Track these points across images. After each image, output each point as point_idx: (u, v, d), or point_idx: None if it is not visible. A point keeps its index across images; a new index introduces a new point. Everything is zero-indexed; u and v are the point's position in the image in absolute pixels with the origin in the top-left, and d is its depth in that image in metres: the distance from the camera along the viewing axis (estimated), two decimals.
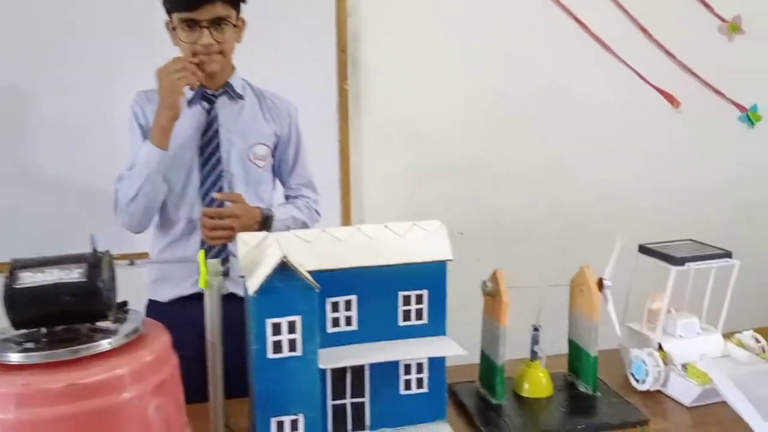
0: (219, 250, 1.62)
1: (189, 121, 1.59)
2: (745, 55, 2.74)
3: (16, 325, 0.94)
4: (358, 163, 2.42)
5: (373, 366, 1.16)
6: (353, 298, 1.15)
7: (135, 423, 0.96)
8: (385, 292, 1.16)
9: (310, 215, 1.77)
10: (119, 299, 1.04)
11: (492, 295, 1.30)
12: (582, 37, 2.58)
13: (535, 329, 1.34)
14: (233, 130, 1.65)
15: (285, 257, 1.00)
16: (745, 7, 2.71)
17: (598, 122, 2.68)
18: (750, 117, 2.81)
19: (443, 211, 2.53)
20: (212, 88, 1.64)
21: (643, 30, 2.62)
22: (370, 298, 1.15)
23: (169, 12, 1.56)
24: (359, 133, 2.41)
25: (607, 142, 2.69)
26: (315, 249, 1.14)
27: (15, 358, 0.90)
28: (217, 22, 1.54)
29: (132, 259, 1.92)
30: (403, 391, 1.19)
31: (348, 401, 1.17)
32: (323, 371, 1.12)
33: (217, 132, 1.63)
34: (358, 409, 1.18)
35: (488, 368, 1.33)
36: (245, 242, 1.13)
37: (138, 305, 1.71)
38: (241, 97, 1.67)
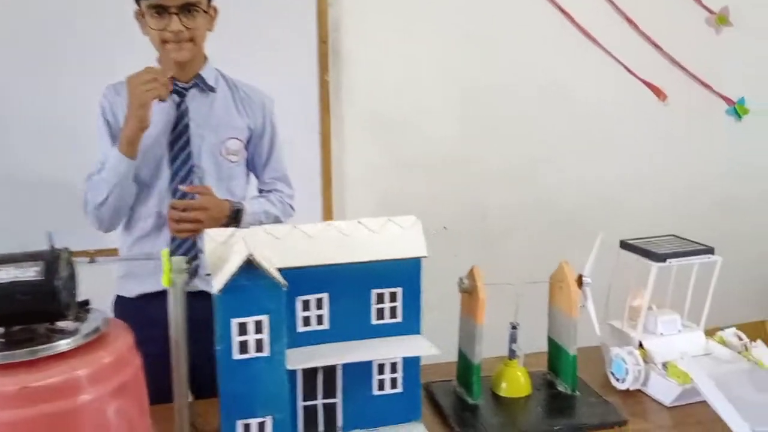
0: (189, 247, 1.58)
1: (158, 115, 1.54)
2: (733, 48, 2.71)
3: None
4: (340, 156, 2.37)
5: (345, 366, 1.13)
6: (324, 296, 1.12)
7: (93, 427, 0.93)
8: (358, 290, 1.13)
9: (284, 210, 1.73)
10: (83, 297, 1.00)
11: (469, 292, 1.27)
12: (568, 29, 2.54)
13: (513, 327, 1.31)
14: (204, 124, 1.60)
15: (251, 255, 0.97)
16: None
17: (584, 116, 2.64)
18: (737, 110, 2.78)
19: (427, 206, 2.48)
20: (182, 80, 1.60)
21: (630, 21, 2.58)
22: (342, 296, 1.12)
23: (137, 0, 1.52)
24: (341, 125, 2.36)
25: (593, 136, 2.66)
26: (285, 245, 1.11)
27: None
28: (187, 8, 1.50)
29: (96, 256, 1.88)
30: (376, 392, 1.16)
31: (319, 402, 1.14)
32: (293, 372, 1.09)
33: (187, 126, 1.59)
34: (330, 409, 1.15)
35: (465, 367, 1.30)
36: (212, 239, 1.10)
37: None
38: (212, 89, 1.63)
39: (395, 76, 2.42)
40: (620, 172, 2.72)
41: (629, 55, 2.61)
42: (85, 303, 1.03)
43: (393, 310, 1.15)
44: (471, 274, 1.26)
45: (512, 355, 1.32)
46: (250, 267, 0.98)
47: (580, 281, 1.30)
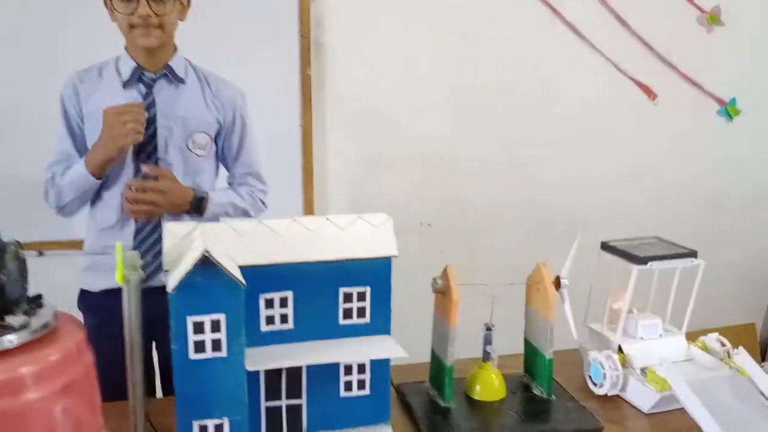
0: (154, 241, 1.54)
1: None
2: (725, 47, 2.67)
3: None
4: (322, 152, 2.33)
5: (310, 366, 1.09)
6: (289, 294, 1.08)
7: (38, 427, 0.88)
8: (325, 289, 1.09)
9: (254, 204, 1.69)
10: (37, 291, 0.96)
11: (442, 292, 1.23)
12: (556, 26, 2.50)
13: (488, 329, 1.27)
14: (171, 116, 1.56)
15: (207, 251, 0.93)
16: None
17: (571, 114, 2.60)
18: (729, 111, 2.74)
19: (410, 202, 2.46)
20: (151, 69, 1.55)
21: (620, 19, 2.54)
22: (308, 295, 1.08)
23: None
24: (323, 120, 2.31)
25: (581, 134, 2.62)
26: (249, 242, 1.07)
27: None
28: None
29: (50, 248, 1.84)
30: (343, 393, 1.12)
31: (283, 403, 1.10)
32: (256, 371, 1.05)
33: (154, 118, 1.55)
34: (294, 411, 1.11)
35: (437, 369, 1.27)
36: (172, 233, 1.05)
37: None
38: (181, 80, 1.58)
39: (378, 72, 2.37)
40: (607, 172, 2.68)
41: (619, 54, 2.57)
42: (37, 298, 0.99)
43: (361, 309, 1.11)
44: (444, 274, 1.22)
45: (486, 357, 1.28)
46: (206, 264, 0.93)
47: (557, 283, 1.26)
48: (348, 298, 1.10)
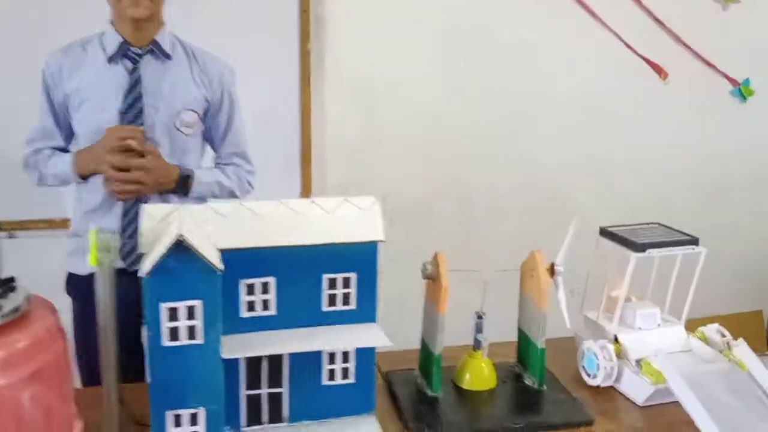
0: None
1: (109, 82, 1.46)
2: (740, 26, 2.58)
3: None
4: (321, 130, 2.27)
5: (292, 354, 1.06)
6: (271, 280, 1.04)
7: (5, 414, 0.86)
8: (308, 275, 1.06)
9: (240, 184, 1.65)
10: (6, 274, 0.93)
11: (432, 278, 1.19)
12: (564, 1, 2.42)
13: (479, 317, 1.24)
14: (158, 93, 1.52)
15: (181, 235, 0.89)
16: None
17: (578, 93, 2.53)
18: (742, 91, 2.66)
19: (412, 182, 2.41)
20: (137, 45, 1.51)
21: None
22: (290, 281, 1.05)
23: None
24: (322, 97, 2.26)
25: (587, 113, 2.55)
26: (230, 224, 1.03)
27: None
28: None
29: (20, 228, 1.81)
30: (326, 382, 1.09)
31: (264, 391, 1.07)
32: (235, 359, 1.02)
33: (140, 96, 1.50)
34: (275, 399, 1.08)
35: (426, 357, 1.23)
36: (150, 215, 1.02)
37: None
38: (168, 56, 1.53)
39: (380, 47, 2.31)
40: (614, 153, 2.62)
41: (629, 30, 2.49)
42: (9, 280, 0.96)
43: (346, 296, 1.08)
44: (434, 260, 1.18)
45: (477, 345, 1.24)
46: (181, 248, 0.90)
47: (552, 270, 1.22)
48: (332, 284, 1.07)
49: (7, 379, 0.85)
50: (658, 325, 1.30)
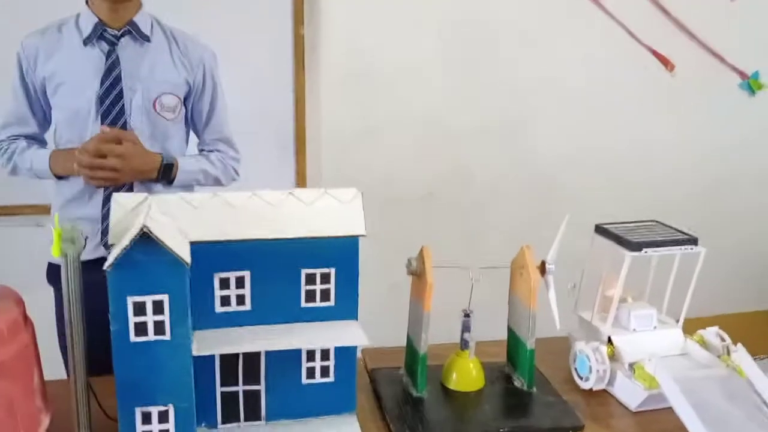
0: None
1: (86, 65, 1.42)
2: (749, 17, 2.49)
3: None
4: (316, 118, 2.22)
5: (269, 351, 1.02)
6: (246, 274, 1.00)
7: None
8: (286, 269, 1.02)
9: (225, 171, 1.61)
10: None
11: (417, 274, 1.14)
12: None
13: (466, 315, 1.19)
14: (137, 76, 1.47)
15: (146, 227, 0.85)
16: None
17: (582, 84, 2.46)
18: (751, 85, 2.59)
19: (410, 170, 2.36)
20: (114, 26, 1.46)
21: None
22: (267, 276, 1.01)
23: None
24: (317, 84, 2.20)
25: (591, 105, 2.48)
26: (203, 216, 0.99)
27: None
28: None
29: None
30: (305, 380, 1.06)
31: (240, 388, 1.04)
32: (211, 355, 0.98)
33: (118, 78, 1.46)
34: (252, 397, 1.05)
35: (411, 356, 1.19)
36: (120, 205, 0.98)
37: None
38: (147, 38, 1.49)
39: (376, 32, 2.25)
40: (618, 146, 2.55)
41: (635, 20, 2.41)
42: None
43: (325, 292, 1.04)
44: (420, 255, 1.14)
45: (464, 345, 1.20)
46: (146, 240, 0.86)
47: (543, 268, 1.17)
48: (311, 279, 1.03)
49: None
50: (654, 327, 1.25)
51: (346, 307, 1.05)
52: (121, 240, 0.90)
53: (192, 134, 1.64)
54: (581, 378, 1.22)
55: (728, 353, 1.21)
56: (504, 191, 2.48)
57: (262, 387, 1.04)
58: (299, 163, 2.17)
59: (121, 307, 0.88)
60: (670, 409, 1.08)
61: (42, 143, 1.59)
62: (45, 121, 1.56)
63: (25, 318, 0.94)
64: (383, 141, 2.32)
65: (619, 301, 1.25)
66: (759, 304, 2.58)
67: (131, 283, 0.87)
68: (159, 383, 0.91)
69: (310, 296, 1.03)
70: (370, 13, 2.24)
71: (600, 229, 1.27)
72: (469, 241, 2.38)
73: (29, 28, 1.51)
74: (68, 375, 0.96)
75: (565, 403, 1.15)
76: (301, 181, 2.18)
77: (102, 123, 1.45)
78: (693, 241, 1.22)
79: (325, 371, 1.06)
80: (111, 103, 1.45)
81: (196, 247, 0.96)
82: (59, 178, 1.50)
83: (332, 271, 1.03)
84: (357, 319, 1.05)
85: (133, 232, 0.86)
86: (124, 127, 1.47)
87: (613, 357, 1.20)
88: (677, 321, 1.28)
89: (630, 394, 1.16)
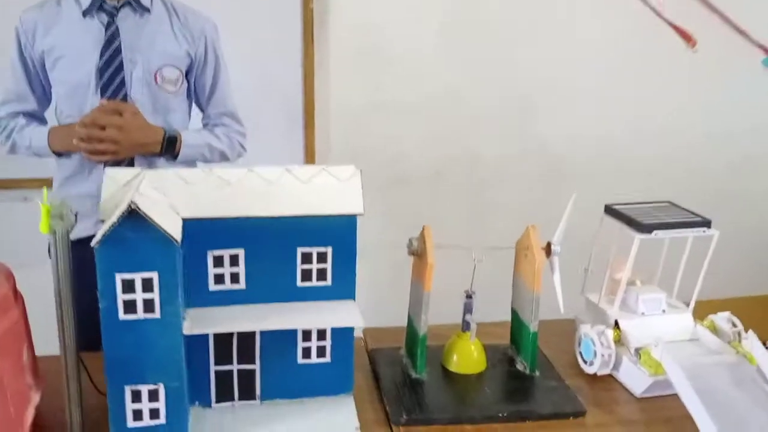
0: None
1: (85, 37, 1.39)
2: None
3: None
4: (325, 93, 2.17)
5: (264, 330, 1.00)
6: (240, 252, 0.98)
7: None
8: (281, 248, 1.00)
9: (231, 146, 1.58)
10: None
11: (418, 255, 1.12)
12: None
13: (468, 296, 1.16)
14: (137, 48, 1.45)
15: (134, 203, 0.83)
16: None
17: (598, 59, 2.39)
18: None
19: (419, 148, 2.31)
20: None
21: None
22: (262, 254, 0.99)
23: None
24: (326, 59, 2.16)
25: (608, 81, 2.41)
26: (197, 192, 0.97)
27: None
28: None
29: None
30: (301, 360, 1.04)
31: (234, 368, 1.02)
32: (204, 334, 0.97)
33: (118, 50, 1.44)
34: (246, 376, 1.03)
35: (412, 337, 1.17)
36: (113, 179, 0.97)
37: None
38: (146, 9, 1.46)
39: (386, 6, 2.19)
40: (636, 124, 2.48)
41: None
42: None
43: (322, 272, 1.02)
44: (421, 235, 1.11)
45: (466, 327, 1.17)
46: (135, 217, 0.84)
47: (548, 249, 1.14)
48: (307, 258, 1.01)
49: None
50: (663, 311, 1.21)
51: (344, 287, 1.03)
52: (111, 216, 0.88)
53: (196, 111, 1.62)
54: (586, 362, 1.19)
55: (739, 340, 1.17)
56: (513, 171, 2.43)
57: (257, 366, 1.03)
58: (308, 139, 2.14)
59: (109, 284, 0.86)
60: (676, 396, 1.05)
61: (42, 121, 1.57)
62: (44, 97, 1.55)
63: (15, 293, 0.93)
64: (392, 118, 2.28)
65: (627, 284, 1.22)
66: None
67: (120, 260, 0.86)
68: (149, 362, 0.90)
69: (306, 275, 1.01)
70: None
71: (610, 210, 1.24)
72: (477, 221, 2.34)
73: (27, 3, 1.49)
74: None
75: (567, 388, 1.12)
76: (309, 156, 2.15)
77: (102, 96, 1.44)
78: (706, 223, 1.18)
79: (321, 351, 1.04)
80: (111, 75, 1.43)
81: (189, 223, 0.94)
82: (59, 155, 1.49)
83: (329, 250, 1.01)
84: (354, 299, 1.03)
85: (121, 208, 0.84)
86: (124, 100, 1.45)
87: (620, 341, 1.17)
88: (688, 305, 1.24)
89: (635, 379, 1.13)
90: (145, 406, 0.91)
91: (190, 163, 1.53)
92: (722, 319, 1.21)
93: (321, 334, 1.03)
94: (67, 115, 1.47)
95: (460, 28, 2.29)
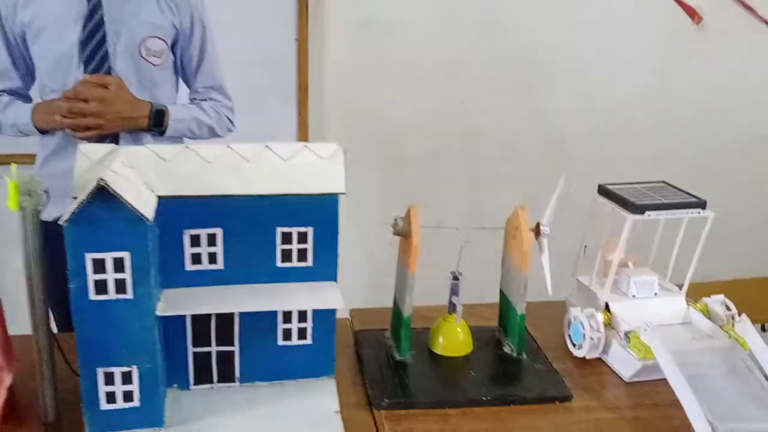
0: None
1: (67, 9, 1.36)
2: None
3: None
4: (319, 68, 2.13)
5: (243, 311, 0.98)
6: (218, 231, 0.96)
7: None
8: (261, 228, 0.97)
9: (220, 121, 1.55)
10: None
11: (403, 235, 1.09)
12: None
13: (455, 278, 1.14)
14: (120, 20, 1.41)
15: (102, 180, 0.80)
16: None
17: (599, 36, 2.34)
18: None
19: (417, 123, 2.27)
20: None
21: None
22: (240, 233, 0.97)
23: None
24: (321, 32, 2.11)
25: (610, 59, 2.36)
26: (174, 170, 0.94)
27: None
28: None
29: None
30: (281, 342, 1.02)
31: (213, 349, 1.00)
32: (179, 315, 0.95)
33: (101, 22, 1.40)
34: (225, 358, 1.01)
35: (397, 318, 1.15)
36: (87, 156, 0.94)
37: None
38: None
39: None
40: (635, 103, 2.43)
41: None
42: None
43: (302, 252, 0.99)
44: (407, 215, 1.08)
45: (452, 309, 1.15)
46: (104, 194, 0.81)
47: (537, 230, 1.11)
48: (287, 238, 0.98)
49: None
50: (655, 294, 1.19)
51: (325, 268, 1.01)
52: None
53: (184, 88, 1.58)
54: (575, 345, 1.16)
55: (733, 323, 1.14)
56: (513, 149, 2.39)
57: (236, 348, 1.01)
58: (301, 115, 2.10)
59: (79, 264, 0.84)
60: (665, 381, 1.02)
61: (26, 98, 1.54)
62: (28, 74, 1.52)
63: None
64: (389, 94, 2.24)
65: (620, 267, 1.19)
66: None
67: (89, 239, 0.83)
68: (121, 343, 0.88)
69: (287, 256, 0.99)
70: None
71: (603, 190, 1.20)
72: (476, 199, 2.31)
73: None
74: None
75: (554, 371, 1.10)
76: (303, 132, 2.12)
77: (85, 69, 1.40)
78: (701, 204, 1.14)
79: (302, 333, 1.02)
80: (94, 48, 1.40)
81: (165, 202, 0.92)
82: (43, 133, 1.46)
83: (310, 230, 0.98)
84: (336, 281, 1.01)
85: (91, 185, 0.81)
86: (108, 73, 1.41)
87: (610, 324, 1.15)
88: (681, 288, 1.22)
89: (624, 363, 1.11)
90: (119, 388, 0.89)
91: (178, 139, 1.50)
92: (716, 302, 1.19)
93: (302, 316, 1.01)
94: (51, 89, 1.44)
95: (463, 3, 2.24)
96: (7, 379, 0.92)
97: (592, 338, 1.12)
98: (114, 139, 1.43)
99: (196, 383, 1.01)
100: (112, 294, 0.85)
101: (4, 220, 1.47)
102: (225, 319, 0.99)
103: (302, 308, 0.98)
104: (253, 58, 1.91)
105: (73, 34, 1.40)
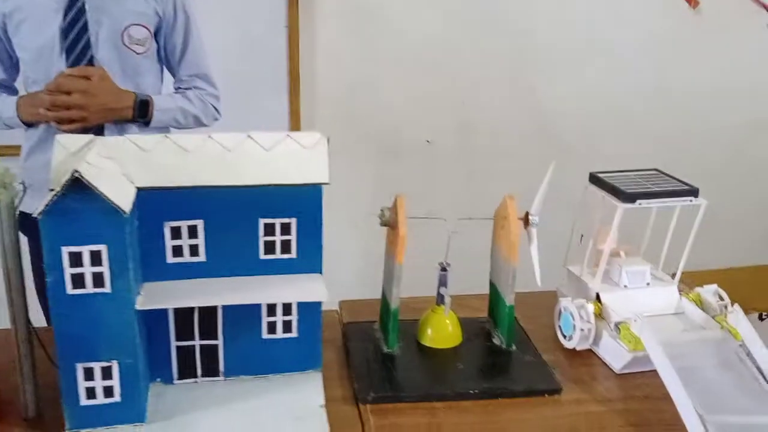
0: None
1: None
2: None
3: None
4: (310, 56, 2.11)
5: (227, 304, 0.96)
6: (199, 223, 0.94)
7: None
8: (243, 219, 0.95)
9: (205, 110, 1.53)
10: None
11: (390, 226, 1.07)
12: None
13: (443, 269, 1.12)
14: (102, 8, 1.39)
15: (77, 171, 0.78)
16: None
17: (594, 21, 2.31)
18: None
19: (409, 114, 2.25)
20: None
21: None
22: (222, 225, 0.95)
23: None
24: (311, 18, 2.08)
25: (605, 44, 2.33)
26: (153, 160, 0.92)
27: None
28: None
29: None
30: (266, 335, 1.00)
31: (197, 343, 0.99)
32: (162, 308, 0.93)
33: (82, 10, 1.38)
34: (209, 352, 1.00)
35: (385, 310, 1.13)
36: (63, 147, 0.92)
37: None
38: None
39: None
40: (630, 91, 2.40)
41: None
42: None
43: (286, 244, 0.97)
44: (393, 205, 1.06)
45: (440, 300, 1.13)
46: (79, 186, 0.79)
47: (526, 220, 1.09)
48: (270, 230, 0.96)
49: None
50: (647, 284, 1.17)
51: (309, 260, 0.99)
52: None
53: (169, 78, 1.56)
54: (565, 337, 1.15)
55: (724, 313, 1.13)
56: (507, 139, 2.36)
57: (219, 341, 0.99)
58: (293, 104, 2.08)
59: (55, 258, 0.82)
60: (656, 373, 1.01)
61: (11, 91, 1.52)
62: (12, 67, 1.50)
63: None
64: (382, 83, 2.22)
65: (611, 256, 1.17)
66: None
67: (66, 232, 0.82)
68: (101, 338, 0.86)
69: (270, 248, 0.97)
70: None
71: (594, 178, 1.18)
72: (471, 189, 2.29)
73: None
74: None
75: (544, 364, 1.08)
76: (295, 122, 2.09)
77: (67, 58, 1.38)
78: (693, 192, 1.12)
79: (287, 326, 1.00)
80: (75, 36, 1.38)
81: (144, 193, 0.90)
82: (28, 125, 1.44)
83: (293, 221, 0.96)
84: (321, 273, 0.99)
85: (65, 177, 0.79)
86: (91, 63, 1.39)
87: (601, 315, 1.13)
88: (674, 278, 1.20)
89: (615, 355, 1.09)
90: (99, 383, 0.88)
91: (164, 129, 1.48)
92: (709, 292, 1.17)
93: (287, 309, 0.99)
94: (33, 80, 1.41)
95: None
96: None
97: (582, 329, 1.11)
98: (99, 130, 1.41)
99: (179, 378, 0.99)
100: (90, 288, 0.84)
101: None
102: (208, 313, 0.97)
103: (286, 301, 0.96)
104: (242, 45, 1.88)
105: (54, 24, 1.38)
